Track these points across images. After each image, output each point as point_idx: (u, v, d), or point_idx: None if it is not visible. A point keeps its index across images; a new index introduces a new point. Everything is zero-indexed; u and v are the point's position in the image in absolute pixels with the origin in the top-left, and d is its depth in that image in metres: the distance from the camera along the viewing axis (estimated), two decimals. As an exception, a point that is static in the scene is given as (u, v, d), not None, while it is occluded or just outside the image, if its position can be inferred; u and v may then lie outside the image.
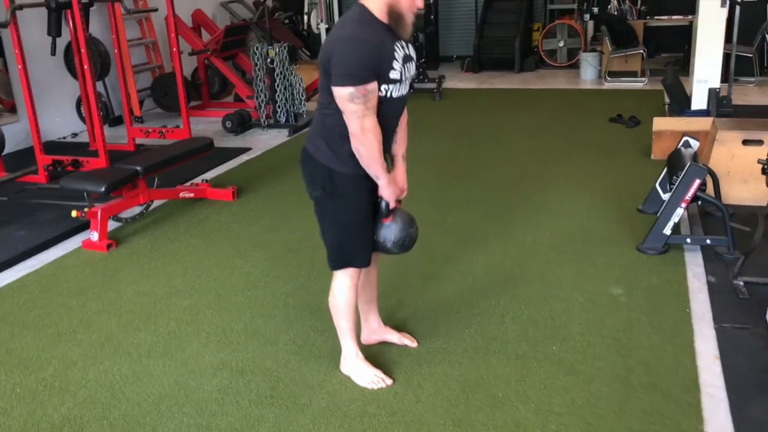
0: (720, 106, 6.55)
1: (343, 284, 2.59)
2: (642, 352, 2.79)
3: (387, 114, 2.39)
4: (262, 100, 7.07)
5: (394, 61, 2.32)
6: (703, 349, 2.81)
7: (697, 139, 4.16)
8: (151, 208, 4.67)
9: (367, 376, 2.68)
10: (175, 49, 5.99)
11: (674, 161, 4.06)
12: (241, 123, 7.08)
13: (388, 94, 2.35)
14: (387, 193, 2.47)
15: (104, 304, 3.45)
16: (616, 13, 9.35)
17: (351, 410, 2.52)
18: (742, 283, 3.27)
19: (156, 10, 7.41)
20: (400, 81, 2.37)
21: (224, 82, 8.68)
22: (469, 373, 2.72)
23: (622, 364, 2.72)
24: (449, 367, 2.76)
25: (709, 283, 3.35)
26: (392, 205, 2.51)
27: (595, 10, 10.53)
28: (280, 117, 7.09)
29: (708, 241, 3.67)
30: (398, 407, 2.53)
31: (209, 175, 5.55)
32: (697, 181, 3.58)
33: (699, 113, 6.55)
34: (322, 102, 2.41)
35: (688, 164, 3.61)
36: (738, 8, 6.44)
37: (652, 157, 5.48)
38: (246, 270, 3.77)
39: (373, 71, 2.25)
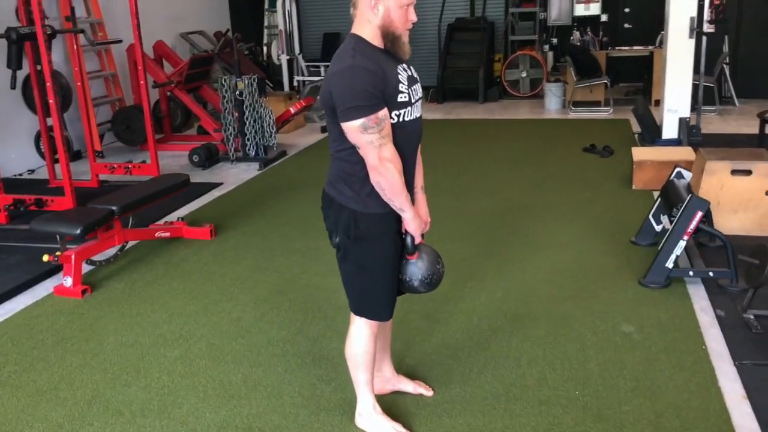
0: (690, 135, 6.64)
1: (363, 332, 2.42)
2: (668, 394, 2.69)
3: (404, 142, 2.25)
4: (231, 133, 6.86)
5: (400, 84, 2.21)
6: (729, 388, 2.72)
7: (688, 170, 4.14)
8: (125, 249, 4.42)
9: (387, 430, 2.50)
10: (142, 82, 5.76)
11: (669, 193, 4.03)
12: (209, 157, 6.85)
13: (401, 119, 2.23)
14: (412, 227, 2.32)
15: (86, 356, 3.19)
16: (579, 44, 9.47)
17: (375, 470, 2.34)
18: (752, 317, 3.22)
19: (120, 41, 7.17)
20: (410, 103, 2.25)
21: (187, 115, 8.47)
22: (493, 423, 2.56)
23: (650, 408, 2.61)
24: (471, 418, 2.60)
25: (718, 317, 3.29)
26: (417, 240, 2.36)
27: (554, 41, 10.70)
28: (249, 150, 6.89)
29: (711, 274, 3.62)
30: (425, 465, 2.36)
31: (181, 212, 5.31)
32: (699, 213, 3.54)
33: (670, 142, 6.65)
34: (335, 145, 2.28)
35: (690, 196, 3.57)
36: (705, 39, 6.56)
37: (634, 187, 5.47)
38: (236, 315, 3.55)
39: (379, 98, 2.13)
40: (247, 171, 6.65)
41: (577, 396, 2.71)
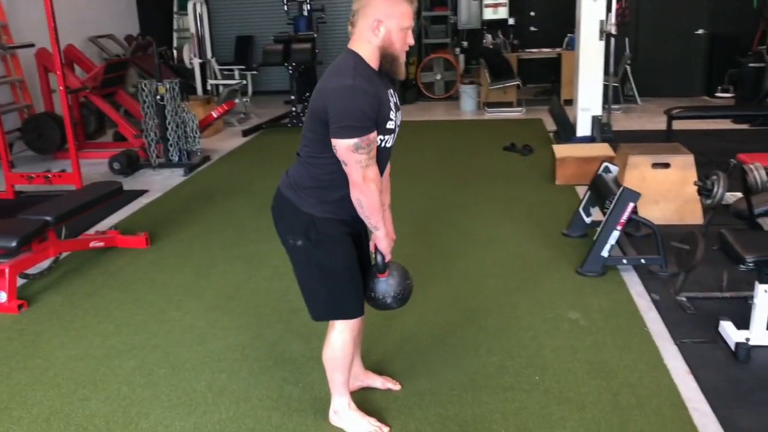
0: (603, 132, 7.00)
1: (344, 336, 2.44)
2: (620, 374, 2.87)
3: (378, 163, 2.31)
4: (152, 139, 6.69)
5: (391, 111, 2.28)
6: (674, 365, 2.93)
7: (616, 165, 4.39)
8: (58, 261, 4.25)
9: (363, 426, 2.55)
10: (62, 87, 5.53)
11: (598, 186, 4.26)
12: (130, 164, 6.65)
13: (384, 144, 2.29)
14: (383, 245, 2.38)
15: (34, 373, 3.06)
16: (491, 46, 9.78)
17: (357, 465, 2.38)
18: (685, 299, 3.46)
19: (33, 45, 6.84)
20: (394, 131, 2.33)
21: (100, 122, 8.17)
22: (463, 412, 2.66)
23: (606, 388, 2.77)
24: (441, 408, 2.68)
25: (654, 301, 3.52)
26: (387, 258, 2.42)
27: (465, 44, 11.00)
28: (172, 156, 6.74)
29: (643, 261, 3.86)
30: (405, 456, 2.42)
31: (109, 221, 5.15)
32: (632, 204, 3.77)
33: (585, 139, 6.99)
34: (311, 152, 2.30)
35: (622, 189, 3.79)
36: (613, 41, 6.94)
37: (557, 182, 5.73)
38: (187, 323, 3.49)
39: (373, 121, 2.19)
40: (172, 177, 6.50)
41: (537, 381, 2.85)
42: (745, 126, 7.75)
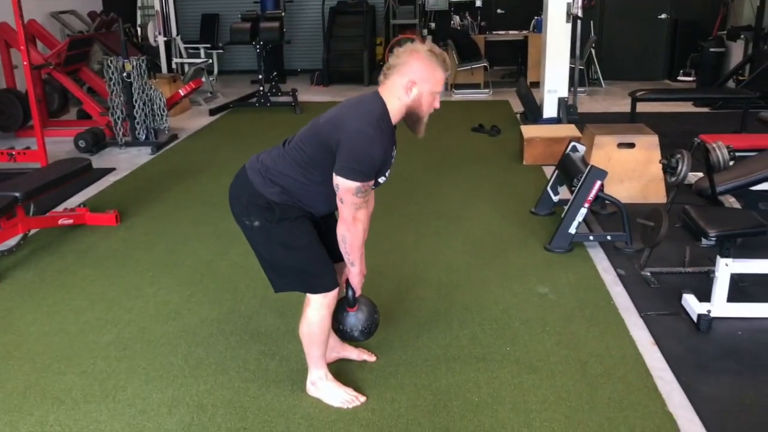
0: (569, 113, 7.12)
1: (320, 311, 2.48)
2: (588, 345, 2.96)
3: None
4: (118, 117, 6.61)
5: (388, 168, 2.39)
6: (639, 336, 3.04)
7: (583, 145, 4.49)
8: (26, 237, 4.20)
9: (340, 396, 2.60)
10: (26, 63, 5.42)
11: (566, 165, 4.35)
12: (96, 142, 6.57)
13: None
14: (356, 280, 2.51)
15: (8, 348, 3.04)
16: (459, 28, 9.82)
17: (335, 432, 2.44)
18: (649, 274, 3.58)
19: (-6, 19, 6.68)
20: (380, 184, 2.43)
21: (64, 99, 8.02)
22: (438, 381, 2.73)
23: (575, 358, 2.87)
24: (416, 378, 2.75)
25: (620, 276, 3.63)
26: (358, 293, 2.55)
27: (432, 25, 11.03)
28: (139, 134, 6.66)
29: (609, 238, 3.97)
30: (382, 423, 2.48)
31: (77, 199, 5.10)
32: (599, 183, 3.86)
33: (551, 120, 7.10)
34: (302, 160, 2.36)
35: (590, 167, 3.89)
36: (579, 23, 7.04)
37: (524, 162, 5.82)
38: (161, 298, 3.50)
39: (376, 172, 2.31)
40: (139, 156, 6.44)
41: (509, 352, 2.93)
42: (705, 109, 7.95)
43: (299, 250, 2.43)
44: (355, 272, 2.48)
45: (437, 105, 2.38)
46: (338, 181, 2.27)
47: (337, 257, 2.52)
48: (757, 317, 3.10)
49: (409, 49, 2.33)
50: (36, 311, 3.39)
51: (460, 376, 2.76)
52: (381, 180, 2.40)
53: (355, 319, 2.57)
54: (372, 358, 2.88)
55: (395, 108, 2.33)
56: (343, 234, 2.37)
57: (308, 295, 2.49)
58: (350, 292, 2.53)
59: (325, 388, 2.62)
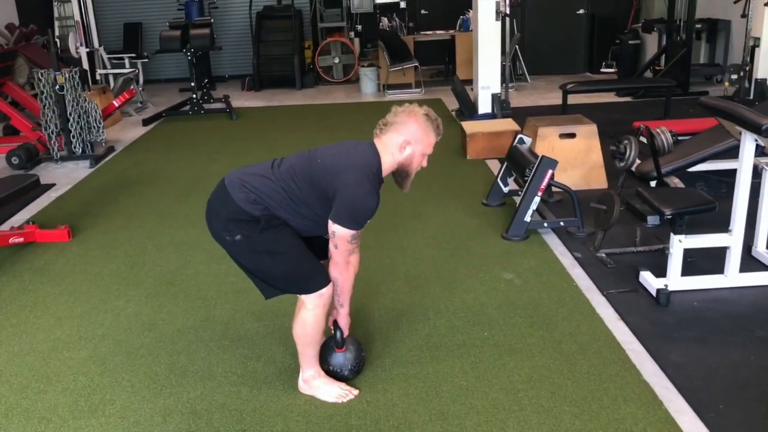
0: (502, 108, 7.36)
1: (316, 312, 2.52)
2: (560, 325, 3.12)
3: None
4: (52, 131, 6.41)
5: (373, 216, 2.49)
6: (605, 313, 3.22)
7: (529, 137, 4.67)
8: (-25, 259, 4.06)
9: (334, 391, 2.65)
10: (-45, 79, 5.21)
11: (515, 157, 4.52)
12: (30, 158, 6.35)
13: None
14: (344, 321, 2.66)
15: (-22, 372, 2.96)
16: (388, 29, 9.96)
17: (335, 426, 2.49)
18: (604, 255, 3.78)
19: None
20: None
21: (-12, 115, 7.69)
22: (425, 369, 2.82)
23: (550, 337, 3.02)
24: (403, 368, 2.84)
25: (577, 259, 3.82)
26: (346, 333, 2.67)
27: (359, 27, 11.13)
28: (75, 148, 6.48)
29: (562, 224, 4.16)
30: (378, 413, 2.55)
31: (21, 216, 4.93)
32: (550, 172, 4.05)
33: (486, 116, 7.32)
34: (299, 194, 2.46)
35: (541, 157, 4.06)
36: (508, 21, 7.28)
37: (468, 157, 5.99)
38: (132, 310, 3.46)
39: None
40: (77, 170, 6.27)
41: (487, 337, 3.05)
42: (628, 98, 8.35)
43: (285, 254, 2.47)
44: (343, 314, 2.63)
45: (425, 164, 2.55)
46: (335, 228, 2.40)
47: (322, 256, 2.59)
48: (710, 288, 3.34)
49: (408, 110, 2.51)
50: (0, 333, 3.29)
51: (445, 363, 2.86)
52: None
53: (343, 358, 2.69)
54: (356, 353, 2.95)
55: (387, 163, 2.49)
56: (335, 276, 2.51)
57: (300, 297, 2.54)
58: (338, 333, 2.66)
59: (318, 385, 2.67)
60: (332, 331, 2.68)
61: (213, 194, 2.53)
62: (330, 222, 2.40)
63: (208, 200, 2.54)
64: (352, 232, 2.41)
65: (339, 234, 2.40)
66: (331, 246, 2.45)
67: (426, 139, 2.50)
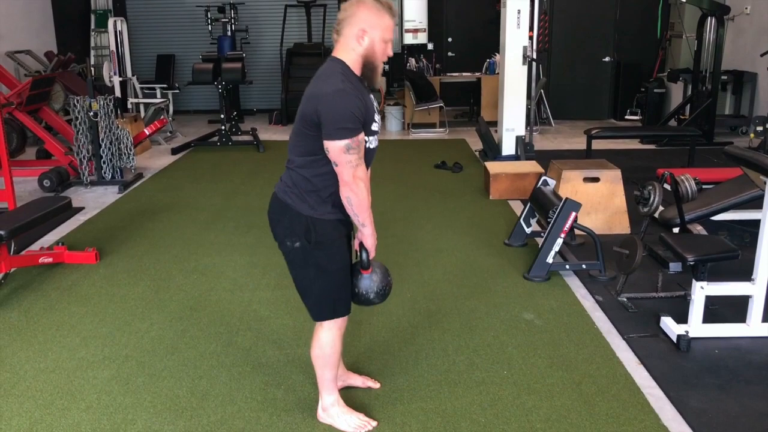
0: (526, 150, 7.41)
1: (333, 334, 2.57)
2: (580, 366, 3.12)
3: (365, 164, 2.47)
4: (84, 156, 6.57)
5: (374, 113, 2.44)
6: (625, 357, 3.21)
7: (553, 179, 4.72)
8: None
9: (353, 421, 2.67)
10: (-5, 102, 5.38)
11: (539, 198, 4.56)
12: (61, 181, 6.50)
13: (368, 146, 2.45)
14: (370, 242, 2.52)
15: (5, 387, 3.01)
16: (415, 69, 10.12)
17: (353, 456, 2.51)
18: (626, 299, 3.78)
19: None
20: (377, 132, 2.49)
21: (23, 138, 7.92)
22: (443, 405, 2.83)
23: (569, 379, 3.02)
24: (422, 402, 2.85)
25: (598, 302, 3.82)
26: (372, 255, 2.56)
27: (387, 67, 11.30)
28: (105, 173, 6.63)
29: (584, 266, 4.17)
30: (396, 446, 2.57)
31: (50, 238, 5.04)
32: (574, 214, 4.08)
33: (510, 157, 7.37)
34: (301, 157, 2.43)
35: (565, 200, 4.10)
36: (534, 66, 7.38)
37: (491, 197, 6.04)
38: (155, 333, 3.51)
39: (362, 122, 2.35)
40: (106, 195, 6.40)
41: (506, 375, 3.06)
42: (651, 146, 8.38)
43: (331, 273, 2.50)
44: (367, 233, 2.49)
45: (390, 53, 2.43)
46: (327, 145, 2.31)
47: None
48: (731, 336, 3.33)
49: (355, 1, 2.41)
50: (27, 349, 3.36)
51: (464, 399, 2.87)
52: (374, 128, 2.43)
53: (370, 281, 2.56)
54: (376, 385, 2.97)
55: (352, 60, 2.38)
56: (347, 196, 2.38)
57: None
58: (364, 254, 2.52)
59: (337, 414, 2.69)
60: (358, 255, 2.58)
61: (270, 206, 2.54)
62: (324, 144, 2.32)
63: (267, 212, 2.55)
64: (345, 141, 2.28)
65: (333, 149, 2.30)
66: (334, 168, 2.36)
67: (381, 22, 2.36)
